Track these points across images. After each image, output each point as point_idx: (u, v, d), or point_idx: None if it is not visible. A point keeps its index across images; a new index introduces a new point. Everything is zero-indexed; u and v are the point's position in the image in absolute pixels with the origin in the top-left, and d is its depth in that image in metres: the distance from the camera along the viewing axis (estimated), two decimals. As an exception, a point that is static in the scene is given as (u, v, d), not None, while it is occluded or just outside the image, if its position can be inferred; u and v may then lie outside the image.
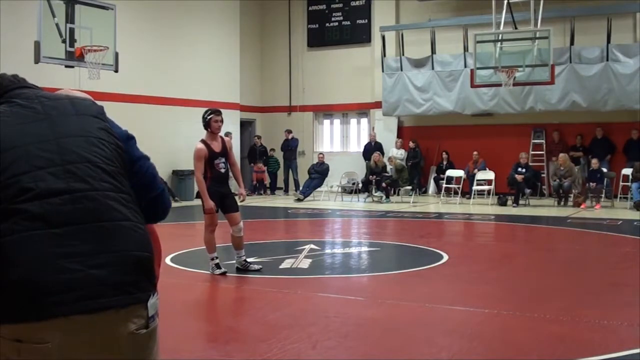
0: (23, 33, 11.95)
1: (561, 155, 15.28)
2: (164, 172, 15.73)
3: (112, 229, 1.69)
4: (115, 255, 1.66)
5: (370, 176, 16.75)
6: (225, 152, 7.08)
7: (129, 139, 1.95)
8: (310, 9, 20.30)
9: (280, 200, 17.41)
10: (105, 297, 1.62)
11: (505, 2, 14.13)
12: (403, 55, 18.19)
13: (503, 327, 5.16)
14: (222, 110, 7.43)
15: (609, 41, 15.80)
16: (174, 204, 14.07)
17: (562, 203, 14.97)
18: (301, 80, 20.49)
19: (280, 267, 7.63)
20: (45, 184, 1.67)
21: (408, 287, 6.74)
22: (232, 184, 7.47)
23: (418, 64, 18.03)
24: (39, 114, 1.80)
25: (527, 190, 15.29)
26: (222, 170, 7.04)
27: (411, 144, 17.97)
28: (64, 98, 1.88)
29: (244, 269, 7.24)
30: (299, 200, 16.89)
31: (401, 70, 18.00)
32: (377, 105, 18.76)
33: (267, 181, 18.97)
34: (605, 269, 7.73)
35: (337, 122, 20.69)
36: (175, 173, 16.58)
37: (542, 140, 17.29)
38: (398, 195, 17.04)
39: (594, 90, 15.83)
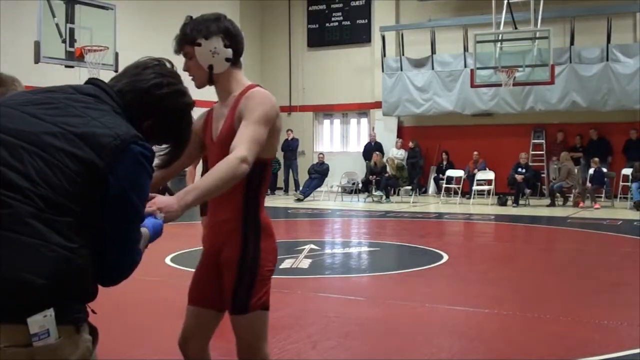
0: (23, 33, 11.95)
1: (562, 154, 15.33)
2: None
3: (9, 241, 1.50)
4: None
5: (370, 176, 16.75)
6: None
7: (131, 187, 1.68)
8: (310, 9, 20.29)
9: (280, 200, 17.40)
10: None
11: (505, 2, 14.14)
12: (403, 55, 18.19)
13: (503, 327, 5.16)
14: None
15: (609, 41, 15.80)
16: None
17: (556, 204, 14.92)
18: (301, 80, 20.48)
19: (280, 267, 7.62)
20: None
21: (408, 287, 6.73)
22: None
23: (418, 64, 18.04)
24: (29, 107, 1.72)
25: (527, 190, 15.30)
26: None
27: (410, 144, 17.99)
28: (63, 106, 1.77)
29: (244, 269, 7.23)
30: (299, 200, 16.89)
31: (401, 70, 18.00)
32: (377, 105, 18.76)
33: None
34: (605, 269, 7.72)
35: (337, 122, 20.69)
36: (175, 173, 16.60)
37: (542, 141, 17.29)
38: (398, 195, 17.04)
39: (594, 90, 15.84)
